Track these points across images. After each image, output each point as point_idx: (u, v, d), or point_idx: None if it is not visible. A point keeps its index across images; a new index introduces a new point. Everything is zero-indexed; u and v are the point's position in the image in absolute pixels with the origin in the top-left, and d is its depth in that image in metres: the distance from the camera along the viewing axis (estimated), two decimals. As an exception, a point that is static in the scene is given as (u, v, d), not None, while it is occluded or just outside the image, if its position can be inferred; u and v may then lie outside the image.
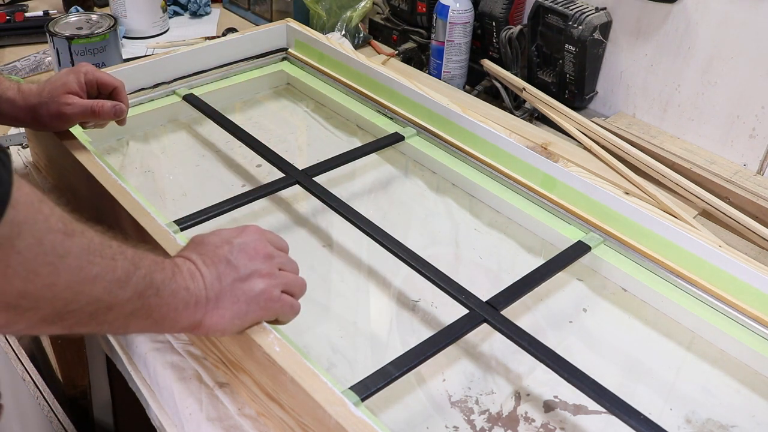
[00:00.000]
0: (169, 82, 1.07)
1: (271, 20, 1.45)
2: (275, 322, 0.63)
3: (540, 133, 1.10)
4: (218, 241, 0.61)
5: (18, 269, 0.43)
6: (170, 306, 0.55)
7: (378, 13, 1.45)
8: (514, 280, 0.75)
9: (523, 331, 0.68)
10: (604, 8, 1.11)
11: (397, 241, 0.78)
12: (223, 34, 1.39)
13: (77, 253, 0.47)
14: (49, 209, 0.45)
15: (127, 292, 0.51)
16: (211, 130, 1.04)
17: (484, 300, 0.71)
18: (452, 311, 0.72)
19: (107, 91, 0.84)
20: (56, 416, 1.12)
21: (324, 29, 1.37)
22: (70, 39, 1.14)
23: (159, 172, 0.98)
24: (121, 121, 0.85)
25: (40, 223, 0.44)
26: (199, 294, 0.57)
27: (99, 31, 1.17)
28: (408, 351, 0.65)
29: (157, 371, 0.70)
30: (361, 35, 1.40)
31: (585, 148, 1.08)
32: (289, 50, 1.19)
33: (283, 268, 0.62)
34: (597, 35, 1.09)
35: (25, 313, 0.45)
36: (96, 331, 0.52)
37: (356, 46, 1.36)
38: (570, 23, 1.09)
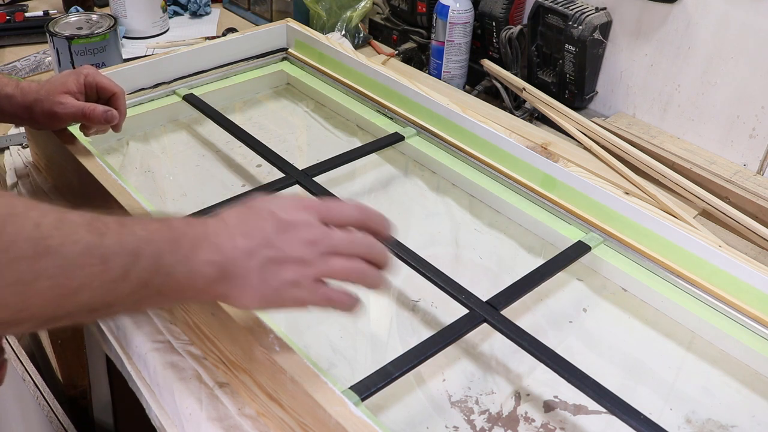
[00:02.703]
0: (169, 82, 1.07)
1: (271, 20, 1.45)
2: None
3: (540, 133, 1.10)
4: (265, 212, 0.54)
5: None
6: (187, 285, 0.51)
7: (378, 13, 1.45)
8: (514, 280, 0.75)
9: (523, 331, 0.68)
10: (604, 8, 1.11)
11: (397, 241, 0.78)
12: (223, 34, 1.39)
13: (50, 273, 0.44)
14: (14, 233, 0.43)
15: (127, 287, 0.48)
16: (211, 130, 1.04)
17: (484, 300, 0.71)
18: (452, 311, 0.72)
19: (106, 96, 0.83)
20: (56, 416, 1.12)
21: (324, 29, 1.37)
22: (70, 39, 1.14)
23: (159, 172, 0.98)
24: (116, 127, 0.85)
25: (3, 252, 0.42)
26: (227, 267, 0.52)
27: (99, 31, 1.17)
28: (408, 351, 0.65)
29: (157, 371, 0.70)
30: (361, 35, 1.40)
31: (585, 148, 1.08)
32: (289, 50, 1.19)
33: (333, 252, 0.54)
34: (597, 35, 1.09)
35: (10, 328, 0.45)
36: (104, 319, 0.50)
37: (356, 46, 1.36)
38: (570, 23, 1.09)
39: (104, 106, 0.82)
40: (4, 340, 0.59)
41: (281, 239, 0.53)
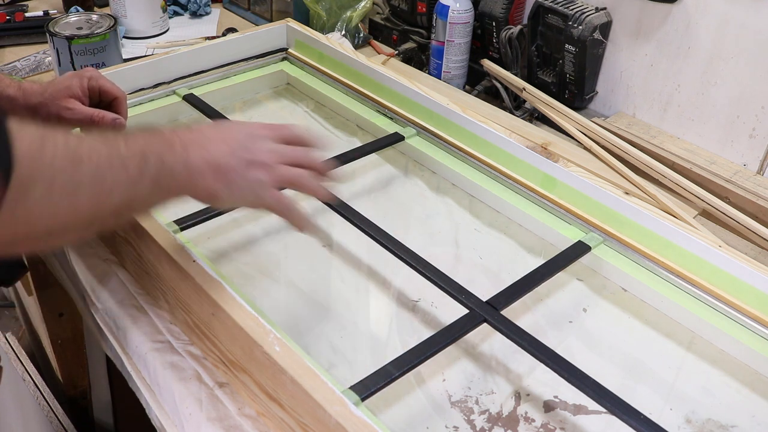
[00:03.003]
0: (169, 82, 1.07)
1: (271, 20, 1.45)
2: (294, 225, 0.67)
3: (540, 133, 1.10)
4: (236, 126, 0.66)
5: (41, 211, 0.48)
6: (187, 180, 0.60)
7: (378, 13, 1.45)
8: (514, 280, 0.75)
9: (523, 331, 0.68)
10: (604, 8, 1.11)
11: (397, 241, 0.78)
12: (223, 34, 1.39)
13: (89, 179, 0.51)
14: (53, 149, 0.48)
15: (144, 186, 0.56)
16: (211, 130, 1.04)
17: (484, 300, 0.71)
18: (452, 311, 0.72)
19: (108, 99, 0.83)
20: (56, 416, 1.12)
21: (324, 29, 1.37)
22: (70, 39, 1.14)
23: (159, 172, 0.98)
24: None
25: (47, 169, 0.48)
26: (218, 162, 0.61)
27: (99, 31, 1.17)
28: (408, 351, 0.65)
29: (157, 371, 0.70)
30: (361, 35, 1.40)
31: (585, 148, 1.08)
32: (289, 50, 1.19)
33: (289, 162, 0.65)
34: (597, 35, 1.09)
35: (55, 238, 0.53)
36: (123, 222, 0.60)
37: (356, 46, 1.36)
38: (570, 23, 1.09)
39: (113, 114, 0.82)
40: (1, 343, 0.60)
41: (252, 145, 0.64)
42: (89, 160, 0.51)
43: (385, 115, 1.05)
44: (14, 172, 0.44)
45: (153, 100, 1.05)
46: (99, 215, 0.54)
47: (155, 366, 0.70)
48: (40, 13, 1.41)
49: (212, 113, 1.01)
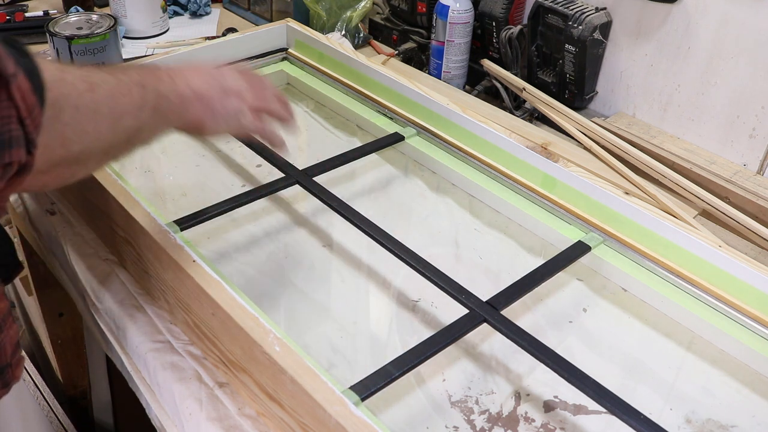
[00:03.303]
0: (169, 82, 1.07)
1: (271, 20, 1.45)
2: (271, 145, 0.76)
3: (540, 133, 1.10)
4: (205, 63, 0.71)
5: (71, 136, 0.51)
6: (180, 106, 0.64)
7: (378, 13, 1.45)
8: (514, 280, 0.75)
9: (523, 331, 0.68)
10: (604, 8, 1.11)
11: (397, 241, 0.78)
12: (223, 34, 1.39)
13: (105, 101, 0.54)
14: (72, 76, 0.52)
15: (147, 111, 0.60)
16: (211, 130, 1.04)
17: (484, 300, 0.71)
18: (452, 311, 0.72)
19: None
20: (56, 416, 1.12)
21: (324, 29, 1.37)
22: (70, 39, 1.14)
23: (159, 172, 0.98)
24: None
25: (71, 91, 0.51)
26: (201, 91, 0.66)
27: (99, 31, 1.17)
28: (408, 351, 0.65)
29: (157, 371, 0.70)
30: (361, 35, 1.40)
31: (585, 148, 1.08)
32: (289, 50, 1.19)
33: (258, 89, 0.73)
34: (597, 35, 1.09)
35: (85, 162, 0.55)
36: (131, 151, 0.62)
37: (356, 46, 1.36)
38: (570, 23, 1.09)
39: None
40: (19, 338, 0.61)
41: (224, 77, 0.70)
42: (101, 86, 0.55)
43: (385, 115, 1.05)
44: (46, 94, 0.47)
45: (153, 100, 1.05)
46: (115, 140, 0.57)
47: (155, 366, 0.70)
48: (40, 13, 1.41)
49: (212, 113, 1.01)
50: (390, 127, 1.02)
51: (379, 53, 1.37)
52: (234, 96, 0.70)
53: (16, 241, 1.11)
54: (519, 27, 1.19)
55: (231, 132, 0.72)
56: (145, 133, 0.62)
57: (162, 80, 0.63)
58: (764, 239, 0.90)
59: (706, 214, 0.97)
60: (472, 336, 0.71)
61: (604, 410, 0.63)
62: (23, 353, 0.62)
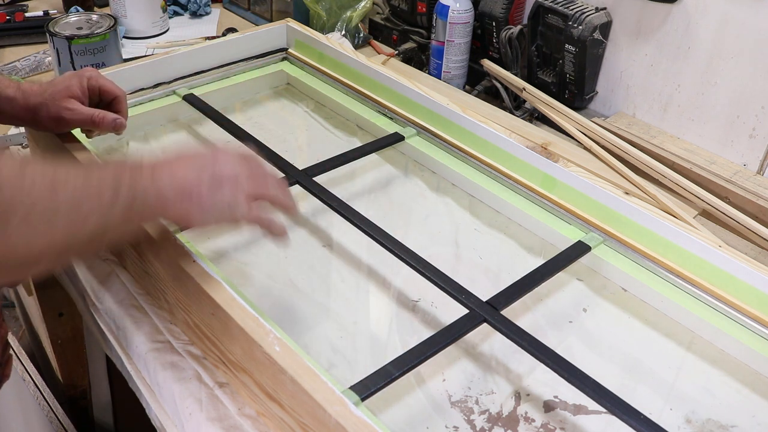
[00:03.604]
0: (169, 82, 1.07)
1: (271, 20, 1.45)
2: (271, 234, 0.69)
3: (540, 133, 1.10)
4: (197, 150, 0.67)
5: (18, 240, 0.49)
6: (157, 205, 0.61)
7: (378, 13, 1.45)
8: (514, 280, 0.75)
9: (523, 331, 0.68)
10: (604, 8, 1.11)
11: (397, 241, 0.78)
12: (223, 34, 1.39)
13: (66, 206, 0.52)
14: (32, 178, 0.50)
15: (117, 212, 0.56)
16: (211, 130, 1.04)
17: (484, 300, 0.71)
18: (452, 311, 0.72)
19: (108, 99, 0.83)
20: (56, 416, 1.12)
21: (324, 29, 1.37)
22: (70, 39, 1.14)
23: (159, 172, 0.98)
24: (118, 132, 0.85)
25: (27, 195, 0.49)
26: (185, 187, 0.62)
27: (99, 31, 1.17)
28: (408, 351, 0.65)
29: (157, 371, 0.70)
30: (361, 35, 1.40)
31: (585, 148, 1.08)
32: (289, 50, 1.19)
33: (252, 178, 0.67)
34: (597, 35, 1.09)
35: (32, 266, 0.53)
36: (97, 251, 0.60)
37: (356, 46, 1.36)
38: (570, 23, 1.09)
39: (113, 114, 0.82)
40: (8, 337, 0.61)
41: (218, 164, 0.65)
42: (65, 188, 0.52)
43: (385, 115, 1.05)
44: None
45: (153, 100, 1.05)
46: (74, 243, 0.54)
47: (155, 366, 0.70)
48: (40, 13, 1.41)
49: (212, 113, 1.01)
50: (390, 127, 1.02)
51: (379, 53, 1.37)
52: (228, 185, 0.65)
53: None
54: (519, 27, 1.19)
55: (225, 222, 0.67)
56: (113, 234, 0.59)
57: (142, 177, 0.60)
58: (764, 239, 0.90)
59: (706, 214, 0.97)
60: (472, 336, 0.71)
61: (604, 410, 0.63)
62: (11, 352, 0.62)
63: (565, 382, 0.64)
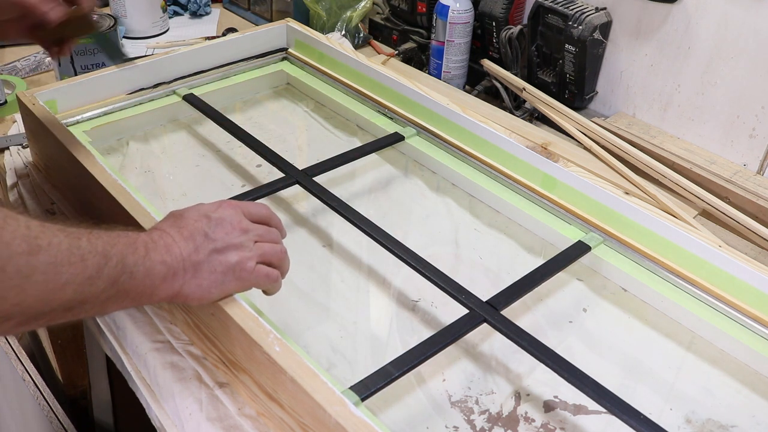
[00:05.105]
0: (169, 82, 1.07)
1: (271, 20, 1.45)
2: (264, 293, 0.66)
3: (540, 133, 1.10)
4: (196, 215, 0.63)
5: None
6: (146, 284, 0.57)
7: (378, 13, 1.45)
8: (514, 280, 0.75)
9: (523, 331, 0.68)
10: (604, 8, 1.11)
11: (397, 241, 0.78)
12: (223, 34, 1.39)
13: (43, 269, 0.49)
14: (11, 232, 0.47)
15: (100, 284, 0.53)
16: (211, 130, 1.04)
17: (484, 300, 0.71)
18: (452, 311, 0.72)
19: None
20: (56, 416, 1.12)
21: (324, 29, 1.37)
22: (70, 39, 1.14)
23: (159, 172, 0.98)
24: (63, 52, 0.77)
25: (3, 250, 0.46)
26: (177, 266, 0.59)
27: (99, 31, 1.17)
28: (408, 351, 0.65)
29: (157, 371, 0.70)
30: (361, 35, 1.40)
31: (585, 148, 1.08)
32: (289, 50, 1.19)
33: (260, 240, 0.64)
34: (597, 35, 1.09)
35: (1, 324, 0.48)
36: (74, 320, 0.54)
37: (356, 46, 1.36)
38: (570, 23, 1.09)
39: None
40: (1, 344, 0.60)
41: (218, 232, 0.62)
42: (48, 249, 0.49)
43: (385, 115, 1.05)
44: None
45: (153, 100, 1.05)
46: (47, 308, 0.50)
47: (155, 366, 0.70)
48: (40, 13, 1.41)
49: (212, 113, 1.01)
50: (390, 127, 1.02)
51: (379, 53, 1.37)
52: (233, 250, 0.62)
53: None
54: (519, 27, 1.19)
55: (234, 292, 0.64)
56: (93, 306, 0.54)
57: (135, 252, 0.56)
58: (764, 239, 0.90)
59: (706, 214, 0.97)
60: (472, 336, 0.71)
61: (604, 410, 0.63)
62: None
63: (565, 382, 0.64)
